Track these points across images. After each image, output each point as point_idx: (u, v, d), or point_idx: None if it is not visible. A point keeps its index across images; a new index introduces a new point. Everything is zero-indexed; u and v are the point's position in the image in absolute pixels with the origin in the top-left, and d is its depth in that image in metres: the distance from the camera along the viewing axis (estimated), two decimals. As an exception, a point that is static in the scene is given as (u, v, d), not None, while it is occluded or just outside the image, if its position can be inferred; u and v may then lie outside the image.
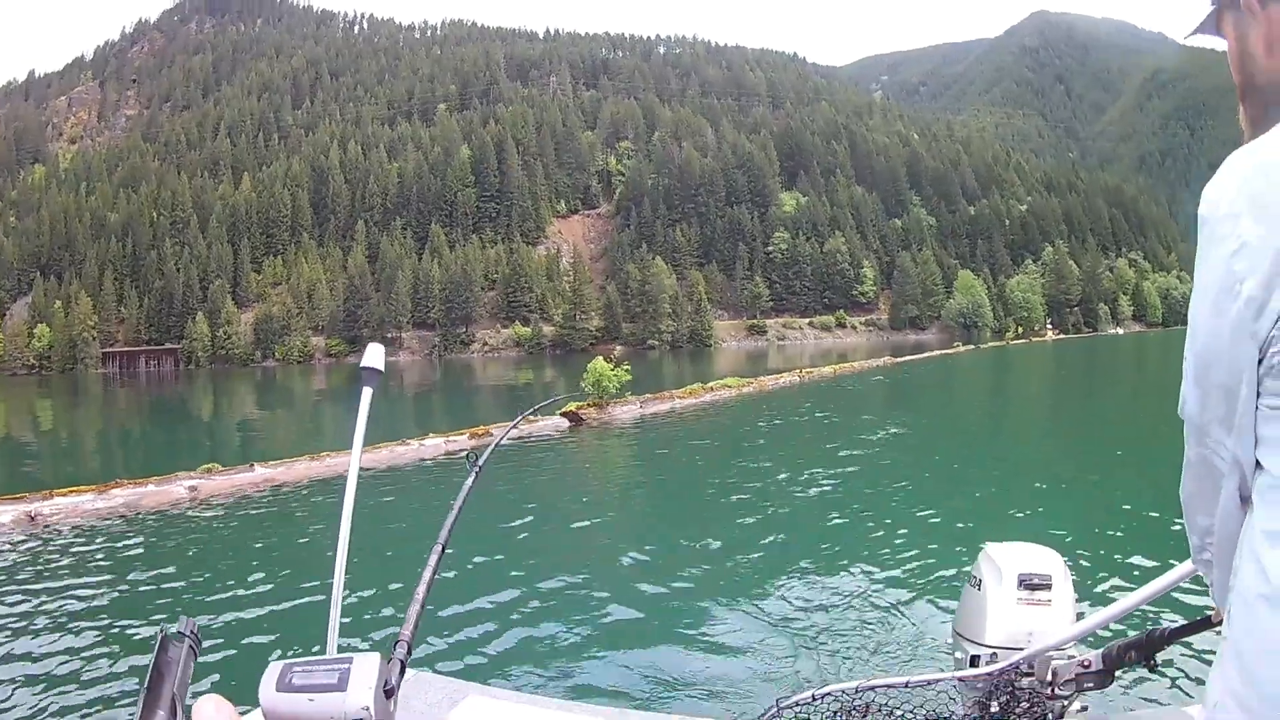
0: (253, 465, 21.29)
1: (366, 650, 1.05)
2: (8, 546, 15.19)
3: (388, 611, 10.14)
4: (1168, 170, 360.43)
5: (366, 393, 2.71)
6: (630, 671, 8.53)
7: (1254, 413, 1.28)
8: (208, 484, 19.65)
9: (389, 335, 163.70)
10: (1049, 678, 3.57)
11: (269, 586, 11.78)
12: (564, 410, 32.29)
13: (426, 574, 2.22)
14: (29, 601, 11.56)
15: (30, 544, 15.30)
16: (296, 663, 1.04)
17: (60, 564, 13.87)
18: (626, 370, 36.87)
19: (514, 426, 3.77)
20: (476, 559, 12.61)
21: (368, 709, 0.97)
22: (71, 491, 18.20)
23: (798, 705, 3.36)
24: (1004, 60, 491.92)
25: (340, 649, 2.21)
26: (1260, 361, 1.25)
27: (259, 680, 1.10)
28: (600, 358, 38.04)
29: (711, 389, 45.13)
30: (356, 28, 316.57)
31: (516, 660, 8.96)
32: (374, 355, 2.84)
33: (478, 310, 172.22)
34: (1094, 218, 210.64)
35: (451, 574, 11.31)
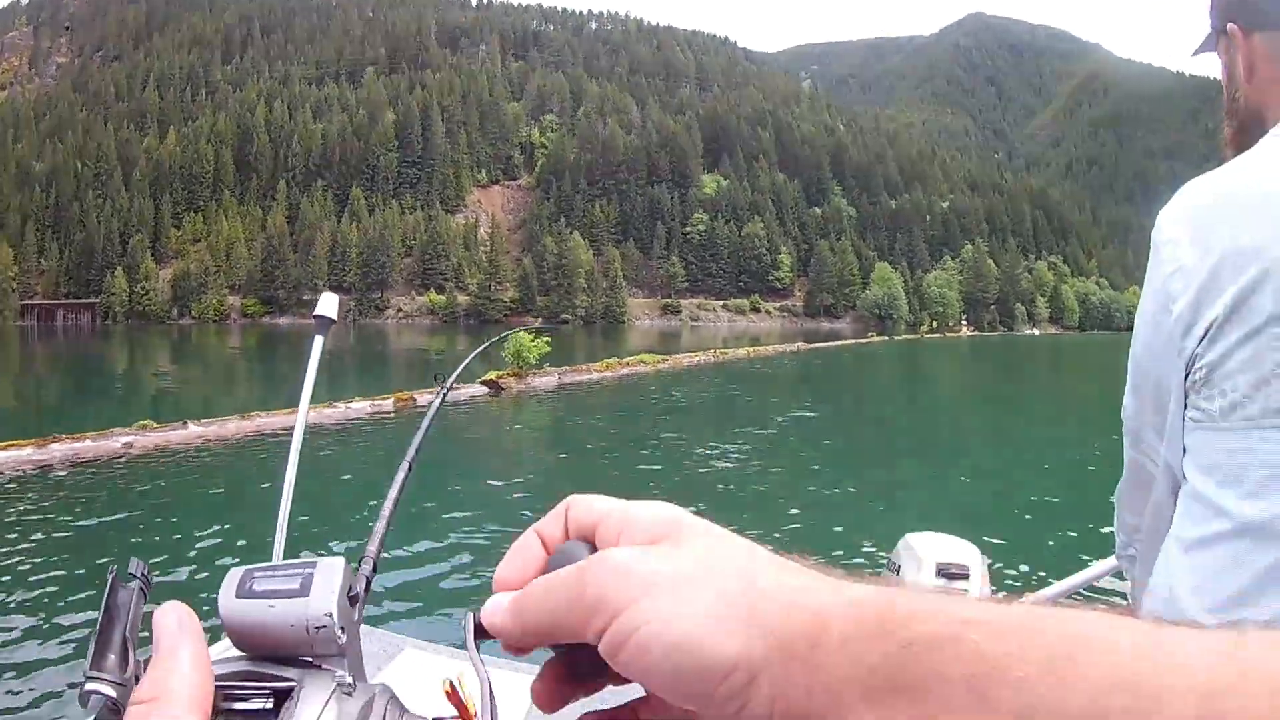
0: (186, 423, 21.48)
1: (330, 556, 0.91)
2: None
3: (343, 540, 11.08)
4: (1094, 177, 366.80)
5: (317, 341, 2.77)
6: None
7: (1182, 424, 1.38)
8: (142, 439, 19.97)
9: (304, 298, 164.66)
10: None
11: (214, 530, 12.42)
12: (483, 379, 32.88)
13: (393, 491, 2.16)
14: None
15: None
16: (257, 568, 0.90)
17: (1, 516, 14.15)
18: (546, 342, 37.88)
19: (465, 365, 3.77)
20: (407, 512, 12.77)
21: (330, 615, 0.84)
22: (11, 445, 18.46)
23: None
24: (937, 58, 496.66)
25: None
26: (1186, 376, 1.34)
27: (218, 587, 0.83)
28: (521, 329, 39.37)
29: (627, 364, 46.02)
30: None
31: (445, 614, 9.46)
32: (327, 304, 2.89)
33: (394, 276, 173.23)
34: (1016, 219, 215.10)
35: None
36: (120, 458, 18.80)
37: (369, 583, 1.57)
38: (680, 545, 0.53)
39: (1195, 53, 1.79)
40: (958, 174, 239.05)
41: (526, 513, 13.45)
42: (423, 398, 28.11)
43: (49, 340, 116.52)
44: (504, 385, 32.93)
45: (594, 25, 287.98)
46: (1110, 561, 2.96)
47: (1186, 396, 1.36)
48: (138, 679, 0.63)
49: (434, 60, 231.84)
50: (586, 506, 0.60)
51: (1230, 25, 1.60)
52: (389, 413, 26.89)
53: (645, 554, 0.53)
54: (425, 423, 2.66)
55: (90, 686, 0.60)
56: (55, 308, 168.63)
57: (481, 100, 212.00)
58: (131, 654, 0.63)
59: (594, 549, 0.58)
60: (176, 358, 77.10)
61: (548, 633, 0.56)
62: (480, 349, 4.12)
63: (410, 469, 2.36)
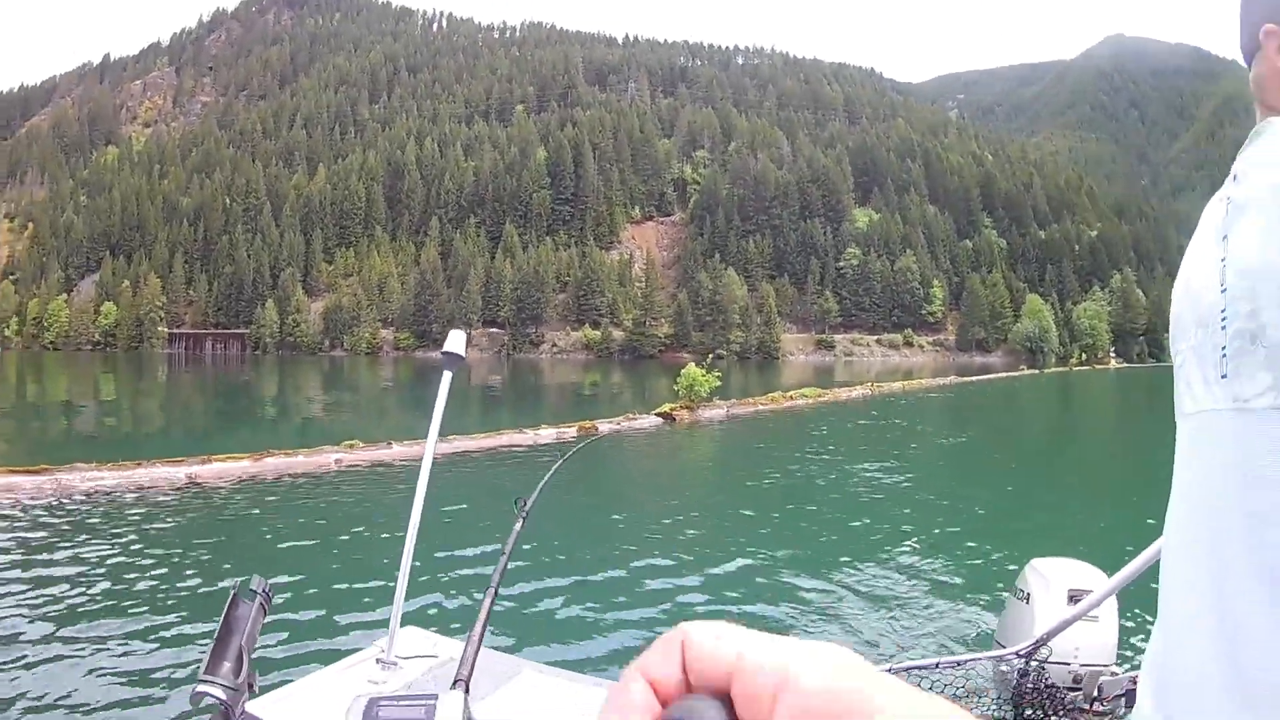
0: (390, 443, 22.92)
1: (446, 692, 1.06)
2: (176, 500, 16.73)
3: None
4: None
5: (446, 377, 2.78)
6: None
7: None
8: (349, 457, 21.72)
9: (459, 324, 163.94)
10: (1095, 693, 3.78)
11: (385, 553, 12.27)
12: (658, 410, 35.37)
13: (481, 615, 2.23)
14: (180, 551, 12.67)
15: (194, 499, 16.94)
16: (383, 699, 1.03)
17: (216, 518, 15.42)
18: (718, 376, 39.36)
19: (547, 480, 3.71)
20: (556, 540, 13.32)
21: None
22: (229, 458, 20.16)
23: None
24: (1079, 83, 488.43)
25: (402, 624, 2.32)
26: None
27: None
28: (693, 364, 40.17)
29: (790, 397, 47.81)
30: (435, 25, 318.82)
31: (571, 640, 9.29)
32: (455, 341, 2.89)
33: (548, 311, 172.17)
34: (1163, 246, 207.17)
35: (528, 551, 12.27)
36: (329, 469, 20.72)
37: (473, 665, 1.60)
38: None
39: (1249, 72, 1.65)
40: (1104, 201, 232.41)
41: (680, 540, 14.02)
42: (603, 427, 31.40)
43: (197, 366, 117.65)
44: (676, 416, 35.06)
45: (740, 60, 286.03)
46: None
47: None
48: (250, 687, 0.76)
49: (583, 98, 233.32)
50: (712, 647, 0.45)
51: (1268, 27, 1.54)
52: (571, 440, 28.29)
53: None
54: (508, 549, 2.76)
55: (202, 688, 0.72)
56: (204, 337, 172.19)
57: (632, 137, 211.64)
58: (246, 664, 0.73)
59: (730, 710, 0.43)
60: (343, 385, 77.52)
61: None
62: (561, 461, 4.14)
63: (496, 594, 2.41)
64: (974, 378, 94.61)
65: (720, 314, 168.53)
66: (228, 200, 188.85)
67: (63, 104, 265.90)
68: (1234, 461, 1.34)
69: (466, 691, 1.77)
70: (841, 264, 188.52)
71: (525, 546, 12.14)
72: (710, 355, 54.19)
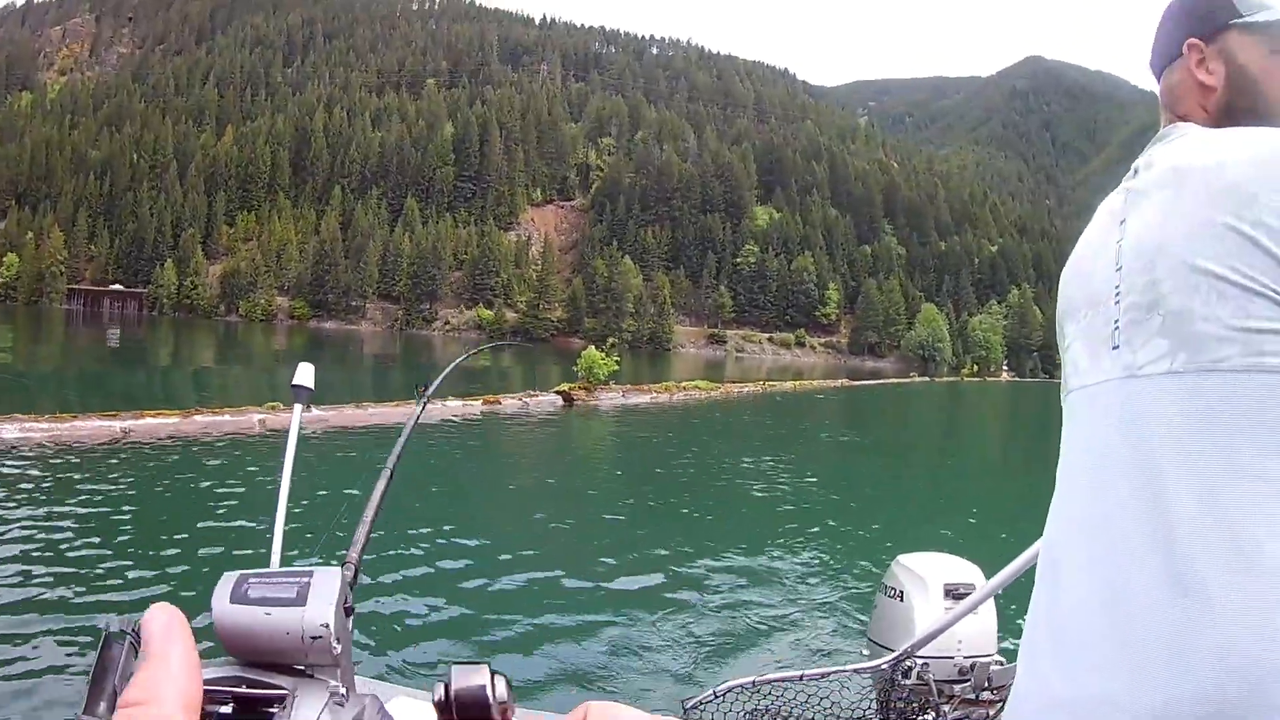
0: (309, 406, 24.69)
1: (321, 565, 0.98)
2: (109, 451, 18.60)
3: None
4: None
5: (296, 410, 2.85)
6: (554, 666, 8.88)
7: None
8: (271, 418, 23.26)
9: (353, 304, 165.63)
10: (985, 683, 3.85)
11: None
12: (557, 389, 37.42)
13: (375, 497, 2.23)
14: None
15: (125, 454, 18.56)
16: (251, 574, 0.97)
17: (151, 470, 17.17)
18: (616, 361, 41.90)
19: (465, 358, 4.40)
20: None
21: (327, 625, 0.91)
22: (160, 414, 22.17)
23: (701, 705, 3.50)
24: (993, 100, 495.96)
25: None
26: None
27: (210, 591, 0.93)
28: (592, 347, 43.60)
29: (683, 388, 49.80)
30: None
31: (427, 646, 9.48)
32: (305, 374, 2.97)
33: (443, 288, 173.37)
34: (1063, 265, 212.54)
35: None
36: (254, 430, 22.62)
37: (352, 588, 1.51)
38: None
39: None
40: (1008, 218, 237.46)
41: (554, 537, 14.35)
42: (507, 402, 33.46)
43: (95, 324, 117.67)
44: (575, 398, 36.98)
45: (655, 50, 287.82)
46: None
47: None
48: None
49: (495, 76, 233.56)
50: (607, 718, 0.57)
51: (1191, 41, 1.70)
52: (477, 416, 30.66)
53: None
54: (407, 430, 2.75)
55: None
56: (102, 295, 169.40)
57: (540, 119, 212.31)
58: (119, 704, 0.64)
59: None
60: (245, 351, 78.77)
61: None
62: (460, 359, 4.35)
63: (391, 476, 2.39)
64: (865, 381, 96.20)
65: (614, 301, 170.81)
66: (135, 156, 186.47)
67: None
68: (1124, 427, 1.44)
69: (356, 574, 1.83)
70: (738, 260, 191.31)
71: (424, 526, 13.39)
72: (609, 342, 56.68)
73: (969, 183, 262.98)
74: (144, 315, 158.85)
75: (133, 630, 0.67)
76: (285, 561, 2.39)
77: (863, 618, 8.06)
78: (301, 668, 0.93)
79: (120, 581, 10.28)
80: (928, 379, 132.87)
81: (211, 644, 0.89)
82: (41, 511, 13.18)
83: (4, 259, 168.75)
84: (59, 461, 17.14)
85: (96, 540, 11.88)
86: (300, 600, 0.94)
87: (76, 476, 15.99)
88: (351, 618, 1.10)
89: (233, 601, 0.93)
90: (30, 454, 17.63)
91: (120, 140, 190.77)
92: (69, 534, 12.04)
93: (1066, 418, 1.62)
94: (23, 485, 15.01)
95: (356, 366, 63.27)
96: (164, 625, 0.58)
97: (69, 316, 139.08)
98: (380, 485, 2.31)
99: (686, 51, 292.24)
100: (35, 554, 10.96)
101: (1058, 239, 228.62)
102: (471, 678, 0.81)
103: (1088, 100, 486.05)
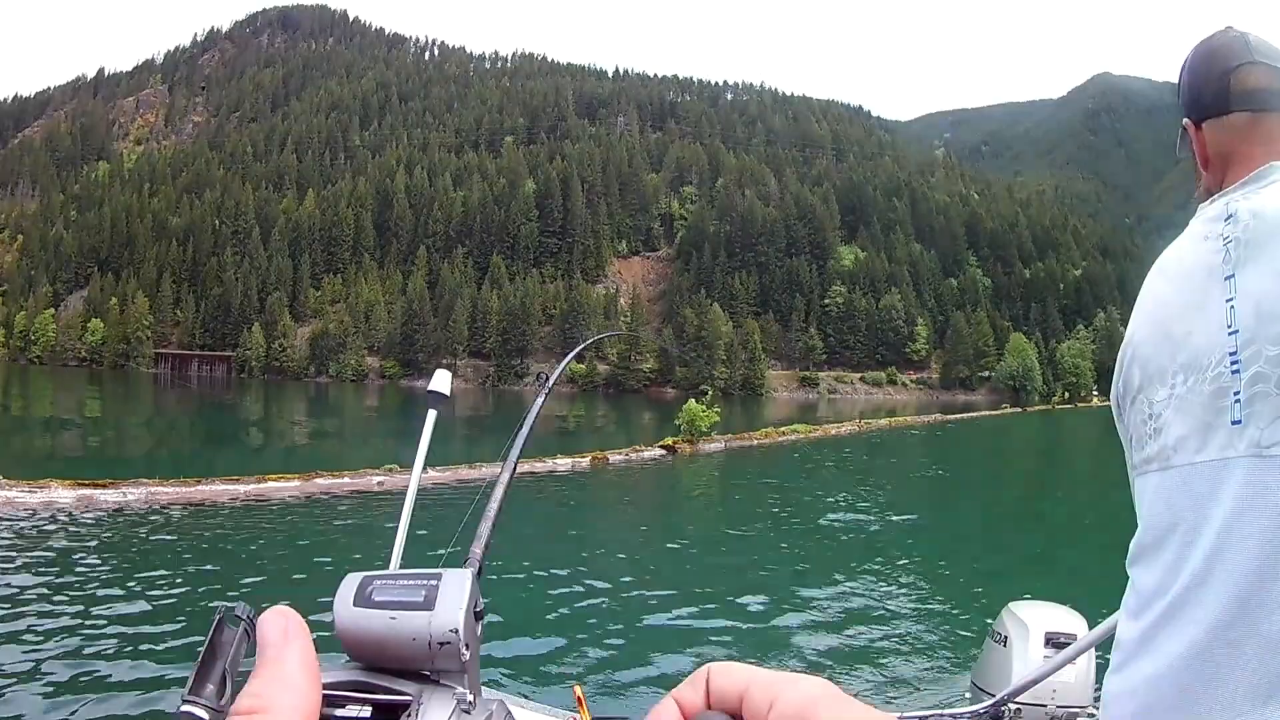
0: (426, 469, 24.64)
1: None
2: (242, 511, 19.78)
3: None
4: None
5: (431, 415, 2.80)
6: (660, 682, 9.24)
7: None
8: (390, 480, 24.39)
9: (444, 361, 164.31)
10: None
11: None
12: (662, 444, 38.50)
13: (498, 491, 2.21)
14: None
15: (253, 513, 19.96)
16: (377, 575, 0.99)
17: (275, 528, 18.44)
18: (717, 412, 42.11)
19: (566, 364, 3.98)
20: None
21: (456, 630, 0.92)
22: (283, 477, 23.46)
23: None
24: (1066, 122, 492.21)
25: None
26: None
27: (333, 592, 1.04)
28: (693, 400, 42.98)
29: (783, 433, 51.92)
30: (427, 53, 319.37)
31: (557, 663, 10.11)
32: (441, 380, 2.91)
33: (533, 343, 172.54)
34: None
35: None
36: (373, 490, 23.81)
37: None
38: None
39: (1178, 158, 2.09)
40: (1090, 240, 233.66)
41: (661, 569, 15.35)
42: (615, 456, 35.10)
43: (183, 388, 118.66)
44: (677, 449, 38.35)
45: (729, 96, 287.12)
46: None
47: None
48: None
49: (572, 130, 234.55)
50: (728, 675, 0.58)
51: (1185, 121, 1.89)
52: (585, 469, 32.12)
53: None
54: (529, 420, 2.82)
55: (185, 708, 0.63)
56: (190, 358, 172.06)
57: (620, 170, 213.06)
58: (229, 688, 0.63)
59: None
60: (336, 412, 78.45)
61: None
62: (580, 347, 4.64)
63: (515, 468, 2.40)
64: (958, 416, 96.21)
65: (705, 349, 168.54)
66: (217, 222, 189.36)
67: (56, 117, 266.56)
68: (1253, 512, 1.32)
69: (480, 572, 1.72)
70: (826, 301, 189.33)
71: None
72: (707, 393, 55.96)
73: (1049, 208, 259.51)
74: (232, 378, 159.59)
75: (248, 617, 0.66)
76: (405, 561, 2.38)
77: (968, 661, 7.93)
78: (427, 673, 0.95)
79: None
80: (1019, 409, 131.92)
81: (326, 644, 0.91)
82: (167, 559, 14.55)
83: (89, 324, 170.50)
84: (190, 520, 18.69)
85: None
86: (428, 604, 0.96)
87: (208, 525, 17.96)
88: (481, 622, 1.10)
89: (356, 604, 0.95)
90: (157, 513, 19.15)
91: (201, 207, 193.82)
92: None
93: (1153, 494, 1.56)
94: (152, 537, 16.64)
95: (449, 427, 62.43)
96: (281, 629, 0.60)
97: (156, 380, 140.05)
98: (504, 477, 2.29)
99: (760, 95, 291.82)
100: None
101: (1140, 257, 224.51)
102: None
103: (1159, 113, 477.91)
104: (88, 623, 10.64)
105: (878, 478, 34.11)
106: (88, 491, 19.87)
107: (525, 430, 2.63)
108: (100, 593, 12.19)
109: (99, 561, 14.20)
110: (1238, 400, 1.36)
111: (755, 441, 45.64)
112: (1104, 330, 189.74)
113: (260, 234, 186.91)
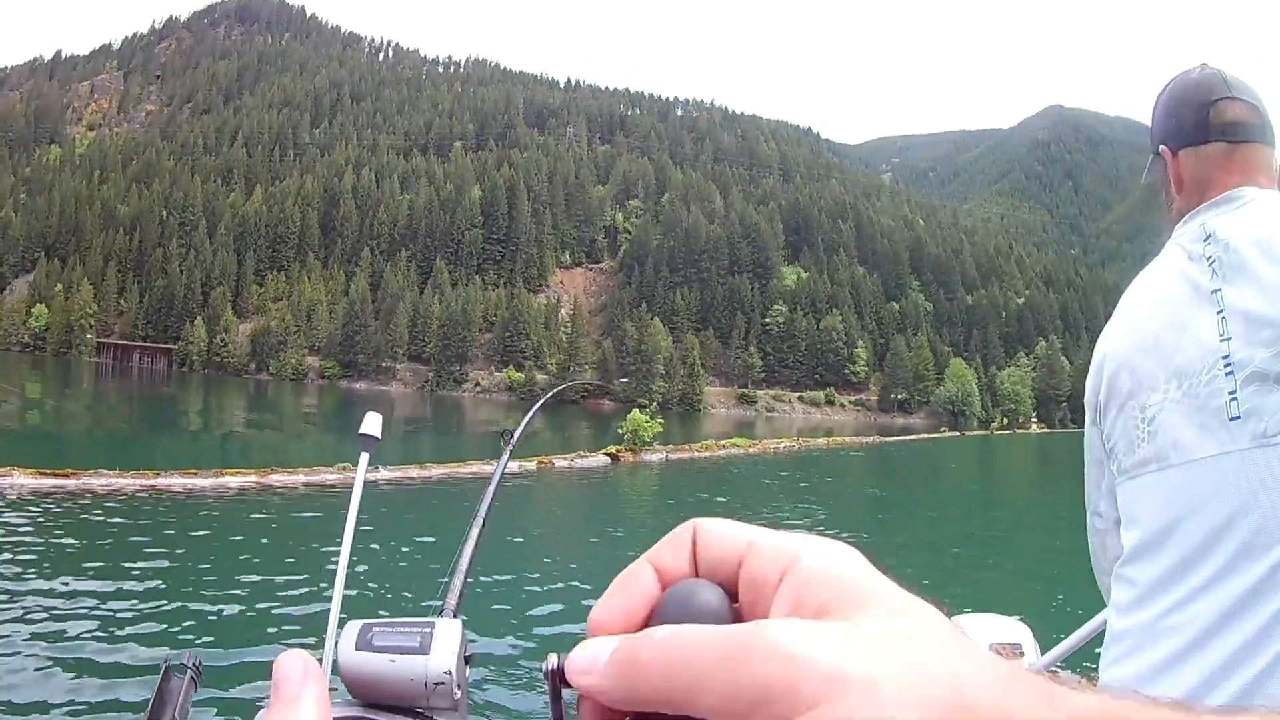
0: (378, 468, 25.59)
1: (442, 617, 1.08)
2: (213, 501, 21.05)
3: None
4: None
5: (363, 458, 2.79)
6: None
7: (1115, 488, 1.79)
8: (341, 477, 24.99)
9: (383, 365, 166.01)
10: None
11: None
12: (606, 451, 39.92)
13: (468, 547, 2.29)
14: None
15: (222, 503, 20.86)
16: (376, 623, 1.05)
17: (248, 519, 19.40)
18: (660, 423, 44.30)
19: (539, 406, 4.70)
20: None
21: (450, 673, 0.99)
22: (240, 473, 24.34)
23: None
24: (1015, 152, 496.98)
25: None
26: (1108, 450, 1.83)
27: (335, 638, 1.08)
28: (636, 409, 46.44)
29: (724, 446, 52.78)
30: (382, 54, 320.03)
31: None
32: (372, 423, 2.89)
33: (473, 350, 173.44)
34: (1090, 315, 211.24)
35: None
36: (332, 485, 24.41)
37: None
38: (864, 618, 0.41)
39: (1145, 179, 2.20)
40: (1033, 269, 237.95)
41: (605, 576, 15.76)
42: (560, 461, 36.25)
43: (124, 379, 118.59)
44: (620, 457, 39.74)
45: (680, 111, 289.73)
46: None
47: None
48: None
49: (521, 139, 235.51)
50: (719, 535, 0.47)
51: (1162, 147, 1.99)
52: (533, 472, 33.07)
53: (827, 637, 0.39)
54: (495, 477, 2.85)
55: None
56: (132, 349, 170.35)
57: (567, 181, 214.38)
58: None
59: (730, 595, 0.45)
60: (257, 408, 79.10)
61: (663, 702, 0.40)
62: (540, 402, 4.82)
63: (484, 524, 2.46)
64: (896, 438, 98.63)
65: (644, 363, 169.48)
66: (164, 213, 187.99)
67: (10, 97, 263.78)
68: (1264, 494, 1.44)
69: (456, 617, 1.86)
70: (767, 320, 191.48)
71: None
72: (650, 405, 58.15)
73: (994, 236, 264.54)
74: (173, 371, 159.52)
75: (194, 664, 0.80)
76: (349, 611, 2.30)
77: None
78: (422, 710, 1.05)
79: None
80: (957, 434, 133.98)
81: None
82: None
83: (33, 310, 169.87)
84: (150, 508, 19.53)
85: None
86: (424, 649, 1.06)
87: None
88: (469, 665, 1.20)
89: (358, 648, 1.04)
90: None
91: (150, 197, 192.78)
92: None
93: (1150, 494, 1.64)
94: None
95: (391, 429, 64.48)
96: (300, 669, 0.56)
97: (98, 370, 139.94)
98: (473, 534, 2.38)
99: (711, 112, 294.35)
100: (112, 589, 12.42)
101: (1084, 288, 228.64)
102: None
103: (1108, 147, 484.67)
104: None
105: (818, 496, 35.13)
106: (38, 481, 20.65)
107: (493, 487, 2.73)
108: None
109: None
110: (1234, 399, 1.47)
111: (695, 454, 47.33)
112: (1045, 359, 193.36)
113: (206, 227, 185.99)
